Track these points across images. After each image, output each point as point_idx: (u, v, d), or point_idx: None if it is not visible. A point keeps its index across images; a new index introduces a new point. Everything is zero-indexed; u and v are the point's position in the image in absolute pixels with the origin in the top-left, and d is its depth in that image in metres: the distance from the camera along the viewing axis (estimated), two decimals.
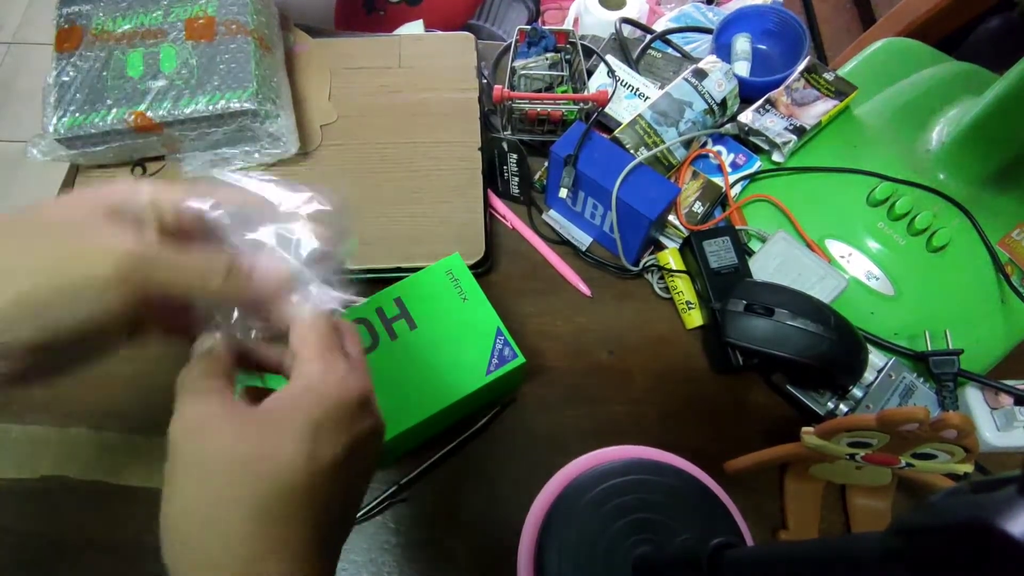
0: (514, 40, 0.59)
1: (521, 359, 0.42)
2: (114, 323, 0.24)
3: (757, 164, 0.55)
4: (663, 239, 0.54)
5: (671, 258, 0.51)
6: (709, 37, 0.70)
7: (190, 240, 0.28)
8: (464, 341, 0.43)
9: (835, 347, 0.42)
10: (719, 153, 0.55)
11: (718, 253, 0.49)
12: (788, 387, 0.47)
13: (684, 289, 0.51)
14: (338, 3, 1.01)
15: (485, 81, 0.61)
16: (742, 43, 0.63)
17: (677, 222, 0.52)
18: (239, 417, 0.24)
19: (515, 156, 0.52)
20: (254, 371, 0.29)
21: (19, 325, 0.23)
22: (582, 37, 0.61)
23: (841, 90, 0.56)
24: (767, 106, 0.56)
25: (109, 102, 0.48)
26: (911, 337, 0.49)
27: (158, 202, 0.27)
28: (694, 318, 0.50)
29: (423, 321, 0.43)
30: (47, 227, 0.24)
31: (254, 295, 0.27)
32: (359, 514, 0.43)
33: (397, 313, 0.43)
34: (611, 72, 0.57)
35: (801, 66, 0.57)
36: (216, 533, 0.22)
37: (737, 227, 0.52)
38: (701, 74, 0.53)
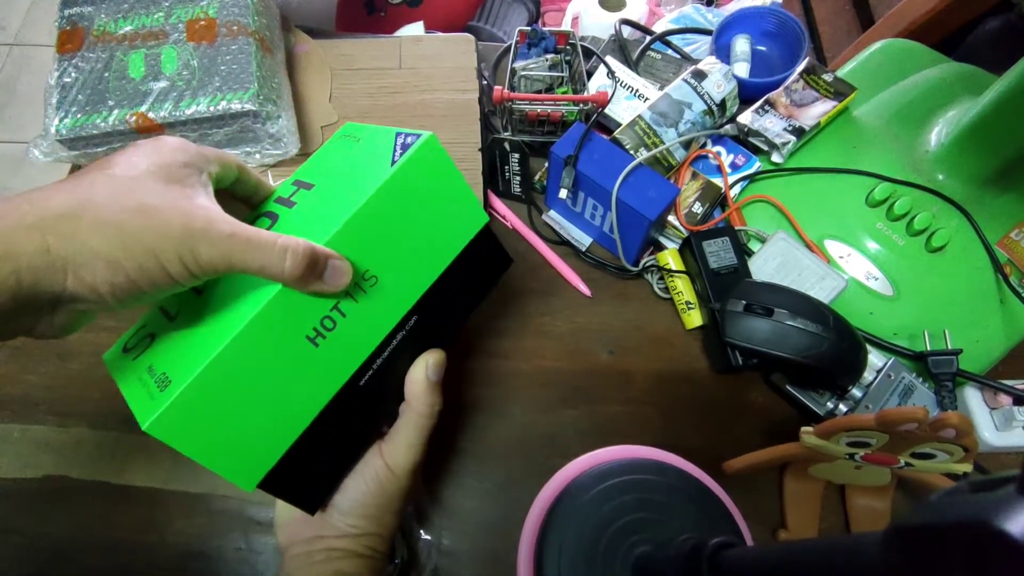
0: (514, 41, 0.59)
1: (430, 134, 0.34)
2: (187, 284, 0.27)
3: (756, 165, 0.55)
4: (663, 239, 0.54)
5: (671, 258, 0.51)
6: (708, 38, 0.70)
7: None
8: (364, 157, 0.35)
9: (834, 347, 0.42)
10: (718, 154, 0.55)
11: (718, 253, 0.49)
12: (788, 387, 0.47)
13: (684, 289, 0.51)
14: (339, 4, 1.01)
15: (485, 82, 0.61)
16: (741, 44, 0.63)
17: (677, 222, 0.52)
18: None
19: (517, 156, 0.52)
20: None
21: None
22: (582, 38, 0.61)
23: (840, 91, 0.56)
24: (766, 107, 0.56)
25: (111, 103, 0.48)
26: (910, 337, 0.49)
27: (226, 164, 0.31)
28: (694, 318, 0.50)
29: (318, 179, 0.36)
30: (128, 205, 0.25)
31: (320, 290, 0.29)
32: None
33: (293, 191, 0.36)
34: (611, 73, 0.57)
35: (800, 67, 0.57)
36: None
37: (736, 227, 0.52)
38: (700, 75, 0.54)
